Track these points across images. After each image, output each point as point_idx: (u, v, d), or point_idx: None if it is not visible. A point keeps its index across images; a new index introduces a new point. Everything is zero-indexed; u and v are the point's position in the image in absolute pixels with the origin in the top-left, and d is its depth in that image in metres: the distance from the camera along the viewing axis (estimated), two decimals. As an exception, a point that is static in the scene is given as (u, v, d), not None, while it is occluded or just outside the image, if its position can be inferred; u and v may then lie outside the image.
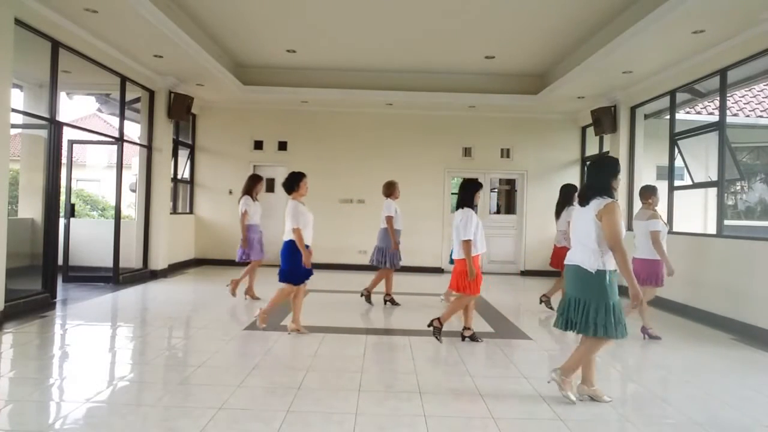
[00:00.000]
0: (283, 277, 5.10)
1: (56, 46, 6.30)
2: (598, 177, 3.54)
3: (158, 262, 8.86)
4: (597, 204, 3.43)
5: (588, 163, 3.68)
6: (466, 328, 5.10)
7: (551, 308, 6.67)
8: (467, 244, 4.79)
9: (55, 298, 6.46)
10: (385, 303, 6.82)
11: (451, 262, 5.16)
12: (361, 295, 6.85)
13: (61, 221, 6.82)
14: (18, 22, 5.48)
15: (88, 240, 8.58)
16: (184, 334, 5.29)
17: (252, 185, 6.86)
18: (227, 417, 3.14)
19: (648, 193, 5.53)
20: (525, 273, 10.70)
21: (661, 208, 7.88)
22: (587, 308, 3.41)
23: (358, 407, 3.35)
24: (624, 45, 6.43)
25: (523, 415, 3.33)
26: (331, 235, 10.19)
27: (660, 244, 5.23)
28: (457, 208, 5.04)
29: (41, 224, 6.76)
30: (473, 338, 5.07)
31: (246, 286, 6.95)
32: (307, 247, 5.10)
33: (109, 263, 7.91)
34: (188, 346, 4.81)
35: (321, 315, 6.32)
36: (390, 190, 6.73)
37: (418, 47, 8.20)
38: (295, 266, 5.04)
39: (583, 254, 3.47)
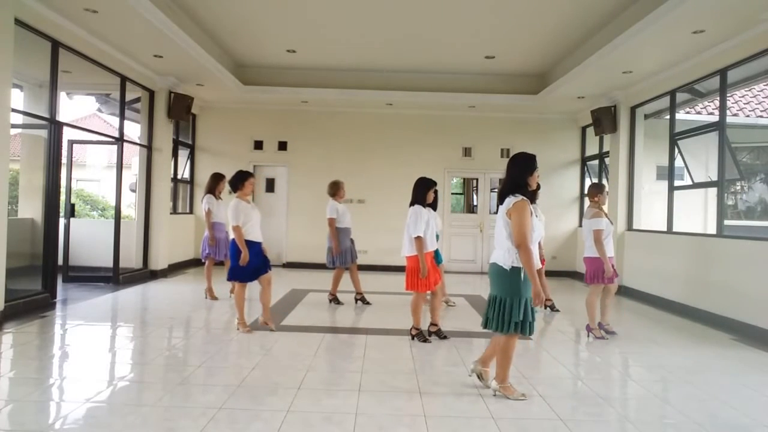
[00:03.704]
0: (231, 275, 5.16)
1: (56, 46, 6.30)
2: (513, 175, 3.53)
3: (158, 262, 8.86)
4: (508, 202, 3.45)
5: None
6: (414, 328, 5.12)
7: (557, 310, 6.69)
8: (418, 241, 4.84)
9: (55, 298, 6.46)
10: (330, 302, 6.85)
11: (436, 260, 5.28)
12: (356, 301, 6.88)
13: (61, 221, 6.82)
14: (18, 22, 5.47)
15: (88, 240, 8.57)
16: (184, 334, 5.29)
17: (214, 184, 6.89)
18: (227, 417, 3.14)
19: (594, 191, 5.50)
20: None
21: (661, 207, 7.92)
22: (503, 305, 3.43)
23: (358, 407, 3.35)
24: (624, 45, 6.43)
25: (523, 415, 3.33)
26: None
27: (601, 243, 5.19)
28: (410, 206, 5.06)
29: (41, 224, 6.75)
30: (420, 337, 5.06)
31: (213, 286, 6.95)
32: (259, 243, 5.18)
33: (109, 263, 7.91)
34: (188, 346, 4.81)
35: (321, 315, 6.33)
36: (334, 190, 6.73)
37: (418, 47, 8.20)
38: (241, 264, 5.07)
39: (500, 252, 3.49)
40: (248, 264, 5.09)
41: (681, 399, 3.75)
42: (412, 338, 5.07)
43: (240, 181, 5.26)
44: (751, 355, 4.95)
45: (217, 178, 6.94)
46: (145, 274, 8.65)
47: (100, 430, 2.95)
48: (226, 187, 6.93)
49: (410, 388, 3.76)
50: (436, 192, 6.42)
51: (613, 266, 5.25)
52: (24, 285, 6.26)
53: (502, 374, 3.60)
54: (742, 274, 5.81)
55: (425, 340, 5.02)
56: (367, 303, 6.85)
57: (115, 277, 7.88)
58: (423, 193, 5.06)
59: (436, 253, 6.58)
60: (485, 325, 3.58)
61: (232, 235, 5.13)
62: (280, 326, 5.58)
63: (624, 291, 8.48)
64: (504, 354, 3.57)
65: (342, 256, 6.63)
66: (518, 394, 3.59)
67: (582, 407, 3.50)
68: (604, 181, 9.65)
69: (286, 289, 7.83)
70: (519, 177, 3.51)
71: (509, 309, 3.41)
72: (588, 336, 5.41)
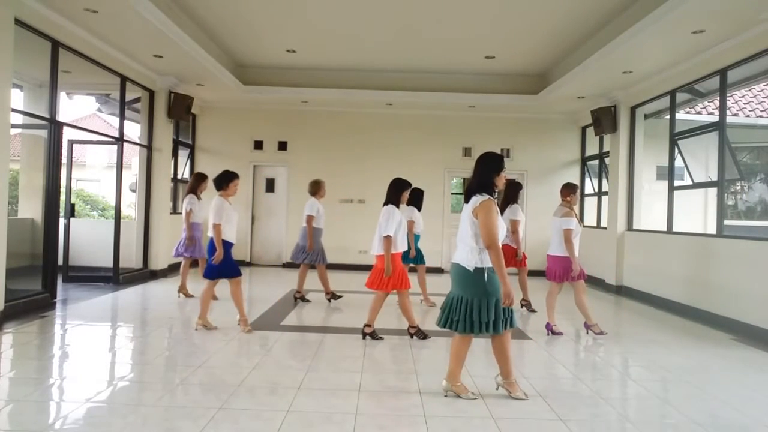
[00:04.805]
0: (218, 274, 5.15)
1: (56, 46, 6.30)
2: (480, 174, 3.51)
3: (158, 262, 8.86)
4: (474, 201, 3.43)
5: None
6: (411, 326, 5.13)
7: (533, 310, 6.67)
8: (387, 241, 4.85)
9: (55, 298, 6.46)
10: (329, 301, 6.88)
11: (409, 261, 5.39)
12: (295, 299, 6.89)
13: (61, 221, 6.82)
14: (18, 22, 5.47)
15: (88, 240, 8.58)
16: (184, 334, 5.29)
17: (196, 184, 6.93)
18: (227, 417, 3.14)
19: (567, 190, 5.52)
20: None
21: (661, 207, 7.92)
22: (470, 306, 3.39)
23: (358, 407, 3.35)
24: (624, 45, 6.42)
25: (523, 415, 3.33)
26: (331, 235, 10.16)
27: (571, 242, 5.21)
28: (384, 205, 5.08)
29: (41, 224, 6.75)
30: (419, 335, 5.08)
31: (180, 283, 7.00)
32: (232, 244, 5.22)
33: (109, 263, 7.91)
34: (188, 346, 4.81)
35: (321, 315, 6.33)
36: (315, 188, 6.77)
37: (418, 47, 8.19)
38: (226, 260, 5.10)
39: (463, 252, 3.46)
40: (229, 262, 5.12)
41: (681, 399, 3.75)
42: (411, 336, 5.08)
43: (226, 181, 5.26)
44: (751, 355, 4.95)
45: (199, 178, 6.97)
46: (145, 274, 8.65)
47: (100, 430, 2.95)
48: (208, 188, 7.01)
49: (410, 388, 3.76)
50: (422, 192, 6.40)
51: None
52: (24, 285, 6.25)
53: (506, 371, 3.60)
54: (742, 274, 5.81)
55: (425, 337, 5.03)
56: (307, 301, 6.89)
57: (115, 277, 7.88)
58: (398, 193, 5.10)
59: (419, 253, 6.61)
60: (444, 325, 3.52)
61: (211, 233, 5.12)
62: (279, 326, 5.59)
63: (624, 291, 8.48)
64: (501, 353, 3.56)
65: (313, 254, 6.65)
66: (521, 393, 3.59)
67: (582, 407, 3.50)
68: (604, 181, 9.66)
69: (285, 289, 7.83)
70: (486, 176, 3.49)
71: (477, 310, 3.37)
72: (587, 333, 5.42)
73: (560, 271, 5.34)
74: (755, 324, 5.56)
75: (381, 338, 5.07)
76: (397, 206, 5.05)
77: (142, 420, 3.08)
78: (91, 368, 4.04)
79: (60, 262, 6.82)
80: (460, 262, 3.46)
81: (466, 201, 3.54)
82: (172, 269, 9.36)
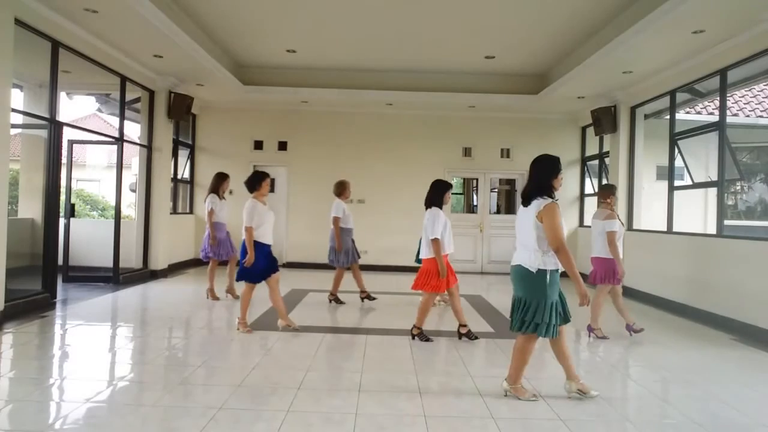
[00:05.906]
0: (240, 276, 5.16)
1: (56, 46, 6.30)
2: (539, 177, 3.52)
3: (158, 262, 8.86)
4: (537, 205, 3.44)
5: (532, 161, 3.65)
6: (417, 327, 5.13)
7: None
8: (436, 243, 4.86)
9: (55, 298, 6.46)
10: (330, 302, 6.89)
11: (418, 261, 5.37)
12: (330, 301, 6.90)
13: (61, 221, 6.82)
14: (18, 22, 5.48)
15: (88, 240, 8.58)
16: (184, 334, 5.29)
17: (218, 183, 6.92)
18: (227, 417, 3.14)
19: (606, 192, 5.50)
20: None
21: (661, 207, 7.93)
22: (527, 306, 3.44)
23: (358, 407, 3.35)
24: (624, 45, 6.43)
25: (523, 415, 3.33)
26: (331, 235, 10.21)
27: (615, 244, 5.20)
28: (426, 208, 5.08)
29: (41, 224, 6.76)
30: (422, 337, 5.07)
31: (209, 287, 6.93)
32: (269, 245, 5.21)
33: (109, 263, 7.91)
34: (188, 346, 4.81)
35: (321, 315, 6.33)
36: (340, 189, 6.77)
37: (418, 47, 8.19)
38: (256, 263, 5.09)
39: (525, 254, 3.48)
40: (257, 265, 5.09)
41: (681, 399, 3.75)
42: (413, 338, 5.07)
43: (257, 181, 5.26)
44: (751, 355, 4.95)
45: (221, 178, 6.96)
46: (145, 274, 8.65)
47: (100, 430, 2.95)
48: (229, 187, 7.03)
49: (410, 388, 3.76)
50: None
51: None
52: (24, 285, 6.25)
53: (515, 375, 3.59)
54: (742, 274, 5.81)
55: (427, 340, 5.03)
56: (373, 298, 6.91)
57: (115, 277, 7.88)
58: (440, 194, 5.08)
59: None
60: (519, 329, 3.50)
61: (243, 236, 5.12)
62: (278, 326, 5.59)
63: (624, 291, 8.44)
64: (521, 355, 3.56)
65: (345, 256, 6.65)
66: (530, 395, 3.58)
67: (582, 407, 3.50)
68: (604, 181, 9.66)
69: (286, 289, 7.82)
70: (544, 179, 3.50)
71: (533, 311, 3.41)
72: (589, 336, 5.41)
73: (601, 272, 5.32)
74: (755, 324, 5.56)
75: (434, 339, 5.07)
76: (440, 207, 5.04)
77: (142, 420, 3.08)
78: (91, 368, 4.05)
79: (60, 262, 6.83)
80: (522, 263, 3.48)
81: (525, 203, 3.54)
82: (172, 269, 9.37)
